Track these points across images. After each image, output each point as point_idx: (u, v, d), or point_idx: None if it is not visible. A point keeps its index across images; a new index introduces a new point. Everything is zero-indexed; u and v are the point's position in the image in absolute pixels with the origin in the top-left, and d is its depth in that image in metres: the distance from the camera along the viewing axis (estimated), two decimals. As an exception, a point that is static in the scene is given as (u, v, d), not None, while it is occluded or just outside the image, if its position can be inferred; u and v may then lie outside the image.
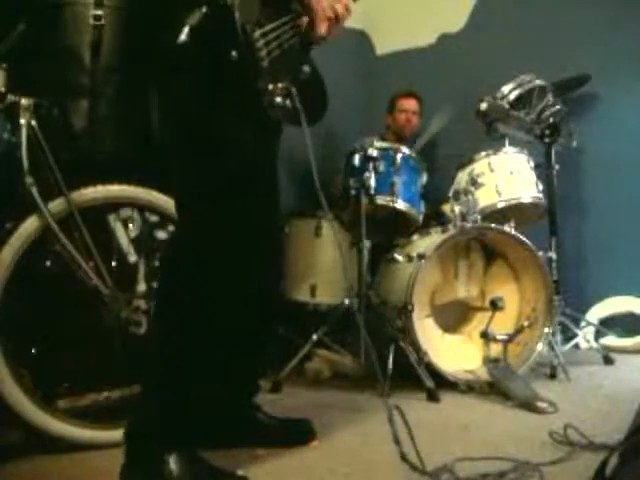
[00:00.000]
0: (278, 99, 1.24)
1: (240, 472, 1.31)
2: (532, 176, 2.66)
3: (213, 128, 1.26)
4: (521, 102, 2.64)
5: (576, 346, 2.91)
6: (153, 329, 1.35)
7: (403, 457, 1.26)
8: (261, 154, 1.34)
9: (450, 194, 2.67)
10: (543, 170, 2.80)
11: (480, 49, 3.71)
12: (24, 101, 1.55)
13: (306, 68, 1.40)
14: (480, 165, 2.64)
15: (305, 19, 1.39)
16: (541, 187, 2.67)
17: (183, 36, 1.12)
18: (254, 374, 1.63)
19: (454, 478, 1.26)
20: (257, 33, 1.20)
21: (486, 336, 2.24)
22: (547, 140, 2.81)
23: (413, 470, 1.28)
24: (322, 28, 1.40)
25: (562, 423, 1.54)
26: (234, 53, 1.16)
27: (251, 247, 1.35)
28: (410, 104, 3.53)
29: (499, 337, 2.23)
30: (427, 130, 3.26)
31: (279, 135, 1.49)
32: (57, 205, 1.58)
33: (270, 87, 1.22)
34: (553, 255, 2.73)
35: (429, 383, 2.12)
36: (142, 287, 1.73)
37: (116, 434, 1.29)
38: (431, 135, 3.23)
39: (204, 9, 1.14)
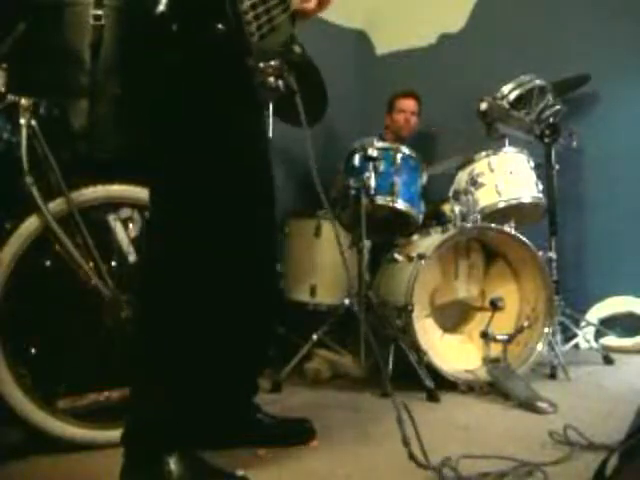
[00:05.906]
0: (270, 79, 1.13)
1: (240, 472, 1.30)
2: (532, 176, 2.66)
3: (199, 109, 1.14)
4: (521, 102, 2.64)
5: (576, 346, 2.90)
6: (146, 327, 1.28)
7: (411, 456, 1.23)
8: (252, 136, 1.27)
9: (450, 194, 2.67)
10: (543, 170, 2.81)
11: (480, 49, 3.72)
12: (24, 101, 1.55)
13: (297, 48, 1.25)
14: (480, 165, 2.64)
15: None
16: (541, 187, 2.67)
17: (161, 6, 1.00)
18: (253, 374, 1.62)
19: (456, 476, 1.26)
20: (246, 4, 1.06)
21: (486, 336, 2.24)
22: (547, 140, 2.81)
23: (413, 470, 1.28)
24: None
25: (562, 423, 1.55)
26: (220, 26, 1.04)
27: (245, 240, 1.30)
28: (409, 104, 3.53)
29: (499, 337, 2.23)
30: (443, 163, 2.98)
31: (264, 114, 1.38)
32: (57, 205, 1.58)
33: (261, 65, 1.11)
34: (553, 255, 2.73)
35: (429, 383, 2.12)
36: (142, 287, 1.72)
37: (116, 434, 1.28)
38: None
39: None
